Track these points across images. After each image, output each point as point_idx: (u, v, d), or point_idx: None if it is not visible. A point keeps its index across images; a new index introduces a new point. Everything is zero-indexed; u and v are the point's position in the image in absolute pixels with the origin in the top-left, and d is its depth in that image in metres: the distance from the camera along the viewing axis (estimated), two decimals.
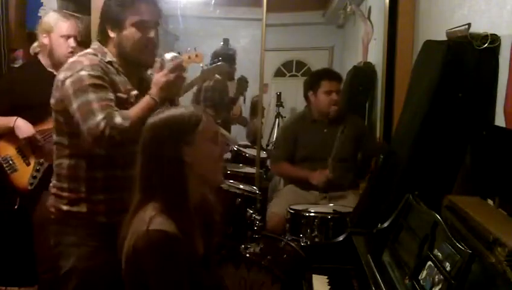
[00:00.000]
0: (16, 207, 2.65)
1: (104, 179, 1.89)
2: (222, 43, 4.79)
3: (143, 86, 1.95)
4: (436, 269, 1.28)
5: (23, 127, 2.55)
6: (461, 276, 1.17)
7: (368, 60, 4.25)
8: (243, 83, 4.46)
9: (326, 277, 1.85)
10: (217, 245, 1.67)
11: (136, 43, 1.88)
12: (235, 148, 3.80)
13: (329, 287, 1.79)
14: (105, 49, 1.92)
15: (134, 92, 1.92)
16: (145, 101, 1.86)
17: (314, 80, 3.34)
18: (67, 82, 1.82)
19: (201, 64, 3.14)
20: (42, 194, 2.61)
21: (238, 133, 4.97)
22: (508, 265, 1.19)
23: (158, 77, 1.88)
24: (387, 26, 3.20)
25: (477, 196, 1.69)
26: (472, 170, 1.88)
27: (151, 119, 1.55)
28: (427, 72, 2.10)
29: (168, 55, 1.87)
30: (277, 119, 5.23)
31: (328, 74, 3.35)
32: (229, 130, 4.43)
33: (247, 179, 3.25)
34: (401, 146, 2.18)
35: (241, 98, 4.66)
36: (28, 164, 2.61)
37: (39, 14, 3.25)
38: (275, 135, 4.93)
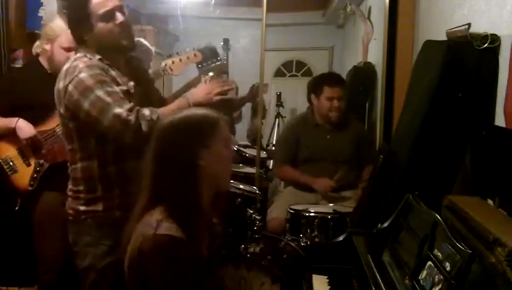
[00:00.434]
0: (16, 208, 2.65)
1: (117, 173, 1.93)
2: (222, 43, 4.79)
3: (135, 75, 2.00)
4: (436, 269, 1.28)
5: (25, 128, 2.55)
6: (461, 276, 1.17)
7: (368, 60, 4.25)
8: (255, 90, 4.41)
9: (326, 277, 1.85)
10: (218, 247, 1.67)
11: (109, 34, 1.89)
12: (235, 148, 3.80)
13: (329, 287, 1.79)
14: (90, 51, 1.93)
15: (132, 83, 1.95)
16: (181, 101, 1.91)
17: (317, 84, 3.35)
18: (70, 87, 1.84)
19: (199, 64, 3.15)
20: (43, 194, 2.62)
21: (238, 133, 4.98)
22: (508, 265, 1.19)
23: (202, 91, 1.95)
24: (387, 26, 3.20)
25: (477, 196, 1.69)
26: (472, 170, 1.88)
27: (169, 118, 1.53)
28: (427, 72, 2.10)
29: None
30: (277, 119, 5.23)
31: (331, 80, 3.34)
32: (233, 131, 4.42)
33: (247, 179, 3.26)
34: (401, 146, 2.18)
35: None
36: (28, 165, 2.61)
37: (39, 14, 3.25)
38: (275, 135, 4.94)
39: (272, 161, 3.99)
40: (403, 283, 1.42)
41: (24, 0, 3.30)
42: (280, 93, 5.33)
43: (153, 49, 3.64)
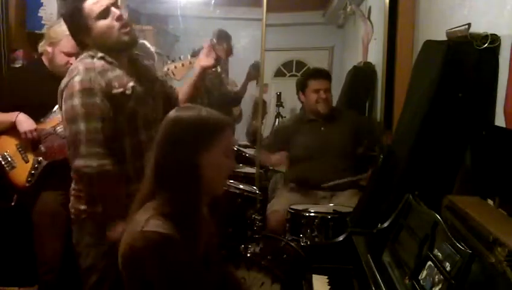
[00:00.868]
0: (12, 204, 2.65)
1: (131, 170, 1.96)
2: None
3: (140, 74, 2.04)
4: (436, 269, 1.28)
5: (25, 122, 2.56)
6: (461, 276, 1.17)
7: (368, 60, 4.25)
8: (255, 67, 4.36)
9: (326, 277, 1.85)
10: (216, 245, 1.67)
11: (109, 30, 1.91)
12: (235, 149, 3.80)
13: (329, 287, 1.79)
14: (94, 51, 1.96)
15: (131, 84, 1.96)
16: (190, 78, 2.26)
17: (302, 80, 3.38)
18: (65, 91, 1.91)
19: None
20: (42, 194, 2.62)
21: (238, 133, 4.97)
22: (508, 265, 1.19)
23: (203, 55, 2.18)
24: (387, 26, 3.20)
25: (477, 196, 1.69)
26: (472, 170, 1.88)
27: (177, 113, 1.51)
28: (427, 72, 2.10)
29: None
30: (277, 119, 5.23)
31: (315, 73, 3.39)
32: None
33: (247, 179, 3.26)
34: (401, 146, 2.18)
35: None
36: (27, 161, 2.61)
37: (39, 14, 3.25)
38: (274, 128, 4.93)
39: None
40: (403, 283, 1.42)
41: (24, 0, 3.30)
42: (280, 93, 5.33)
43: (153, 49, 3.64)
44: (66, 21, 1.99)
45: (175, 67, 2.44)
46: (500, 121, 1.81)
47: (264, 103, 4.94)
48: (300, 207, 2.75)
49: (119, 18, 1.92)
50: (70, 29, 2.00)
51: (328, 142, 3.20)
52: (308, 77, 3.34)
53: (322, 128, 3.26)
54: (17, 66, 3.17)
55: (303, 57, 6.69)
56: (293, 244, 2.61)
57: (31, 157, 2.61)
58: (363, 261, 1.67)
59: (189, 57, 2.49)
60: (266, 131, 5.12)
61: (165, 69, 2.43)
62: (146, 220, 1.40)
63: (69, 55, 2.61)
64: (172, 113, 1.52)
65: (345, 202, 3.00)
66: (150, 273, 1.39)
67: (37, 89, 2.56)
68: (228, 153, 1.53)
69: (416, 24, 2.99)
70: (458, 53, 1.93)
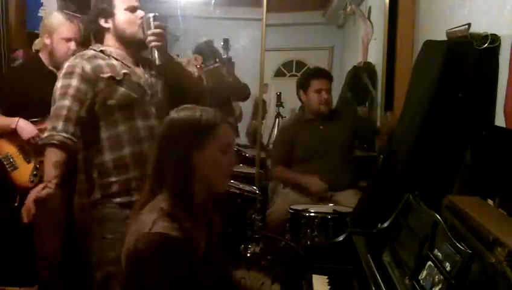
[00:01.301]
0: (16, 205, 2.65)
1: (113, 161, 2.02)
2: (222, 43, 4.79)
3: (144, 66, 2.14)
4: (436, 269, 1.28)
5: (26, 128, 2.56)
6: (461, 276, 1.17)
7: (368, 60, 4.26)
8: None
9: (326, 277, 1.85)
10: (216, 244, 1.67)
11: (129, 25, 2.08)
12: (235, 149, 3.80)
13: (329, 287, 1.79)
14: (98, 45, 2.12)
15: (124, 71, 2.05)
16: None
17: (304, 79, 3.36)
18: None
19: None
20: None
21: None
22: (508, 265, 1.19)
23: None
24: (387, 26, 3.20)
25: (477, 196, 1.68)
26: (472, 170, 1.88)
27: (173, 114, 1.56)
28: (427, 72, 2.10)
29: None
30: (277, 119, 5.23)
31: (318, 73, 3.36)
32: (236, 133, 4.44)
33: (247, 179, 3.26)
34: (401, 146, 2.18)
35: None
36: (29, 162, 2.61)
37: (39, 14, 3.25)
38: (275, 135, 4.94)
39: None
40: (403, 283, 1.42)
41: (24, 0, 3.30)
42: (280, 93, 5.33)
43: None
44: (93, 7, 2.18)
45: None
46: (500, 121, 1.81)
47: (264, 102, 4.96)
48: (300, 207, 2.75)
49: (142, 18, 2.08)
50: (95, 8, 2.14)
51: (327, 141, 3.20)
52: (310, 76, 3.33)
53: (321, 127, 3.26)
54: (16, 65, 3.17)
55: (303, 57, 6.69)
56: (293, 244, 2.61)
57: (33, 158, 2.61)
58: (363, 261, 1.67)
59: (189, 58, 2.50)
60: (266, 131, 5.13)
61: None
62: (153, 222, 1.40)
63: (68, 40, 2.61)
64: (170, 114, 1.56)
65: (345, 202, 3.00)
66: (153, 275, 1.39)
67: (37, 87, 2.56)
68: (225, 149, 1.53)
69: (416, 24, 2.99)
70: (458, 53, 1.93)
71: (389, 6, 3.17)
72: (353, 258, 1.78)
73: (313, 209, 2.70)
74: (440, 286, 1.23)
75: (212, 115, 1.54)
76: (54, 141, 1.93)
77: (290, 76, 6.69)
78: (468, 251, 1.18)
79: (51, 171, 1.92)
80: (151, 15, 2.05)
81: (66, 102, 1.97)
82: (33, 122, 2.58)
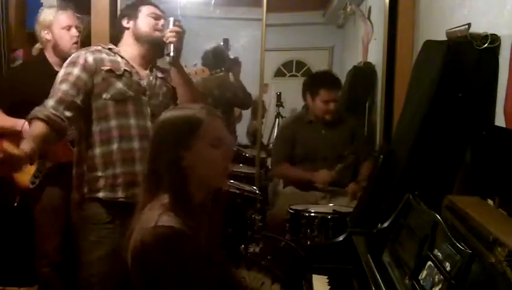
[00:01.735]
0: (15, 204, 2.65)
1: (101, 155, 2.04)
2: (222, 43, 4.79)
3: (153, 70, 2.19)
4: (436, 269, 1.28)
5: None
6: (461, 276, 1.17)
7: (368, 60, 4.25)
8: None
9: (326, 277, 1.85)
10: (218, 244, 1.67)
11: (149, 28, 2.17)
12: (235, 148, 3.80)
13: (329, 287, 1.79)
14: (109, 44, 2.20)
15: (125, 68, 2.10)
16: None
17: (313, 85, 3.33)
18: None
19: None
20: (45, 191, 2.62)
21: (238, 133, 4.97)
22: (508, 265, 1.19)
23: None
24: (387, 26, 3.20)
25: (477, 196, 1.68)
26: (472, 170, 1.88)
27: (161, 117, 1.58)
28: (427, 72, 2.10)
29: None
30: (277, 119, 5.23)
31: (328, 83, 3.32)
32: (233, 130, 4.44)
33: (247, 179, 3.25)
34: (401, 146, 2.18)
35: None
36: (31, 163, 2.60)
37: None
38: (275, 134, 4.94)
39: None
40: (403, 283, 1.42)
41: (24, 0, 3.30)
42: (280, 93, 5.32)
43: None
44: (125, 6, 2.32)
45: None
46: (500, 121, 1.81)
47: (262, 101, 4.97)
48: (300, 207, 2.75)
49: (162, 26, 2.19)
50: (121, 16, 2.24)
51: (328, 145, 3.22)
52: (321, 84, 3.29)
53: (323, 132, 3.28)
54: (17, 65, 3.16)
55: (303, 57, 6.68)
56: (293, 244, 2.61)
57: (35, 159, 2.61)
58: (363, 261, 1.67)
59: (195, 63, 2.52)
60: (266, 131, 5.12)
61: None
62: (158, 216, 1.41)
63: (69, 28, 2.62)
64: (158, 118, 1.59)
65: (345, 202, 3.00)
66: (160, 268, 1.39)
67: (39, 88, 2.56)
68: (216, 143, 1.53)
69: (416, 24, 2.99)
70: (458, 53, 1.93)
71: (389, 6, 3.17)
72: (353, 258, 1.78)
73: (313, 209, 2.70)
74: (440, 286, 1.23)
75: (197, 111, 1.54)
76: (40, 115, 1.93)
77: (290, 76, 6.68)
78: (468, 251, 1.18)
79: (29, 142, 1.86)
80: (171, 18, 2.18)
81: (64, 86, 2.01)
82: None
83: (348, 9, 5.05)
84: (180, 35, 2.14)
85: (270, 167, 3.81)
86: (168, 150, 1.49)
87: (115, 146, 2.03)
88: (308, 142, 3.26)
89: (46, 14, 2.68)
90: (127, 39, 2.19)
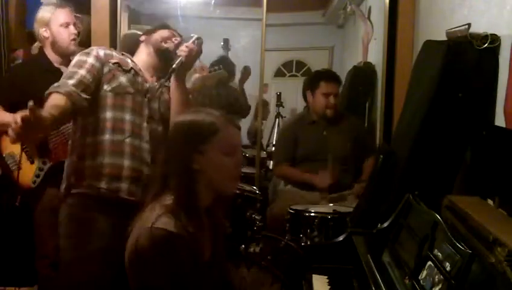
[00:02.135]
0: (17, 204, 2.65)
1: (92, 145, 2.03)
2: (222, 43, 4.78)
3: (160, 78, 2.18)
4: (436, 269, 1.28)
5: None
6: (461, 276, 1.17)
7: (368, 60, 4.25)
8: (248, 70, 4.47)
9: (326, 277, 1.85)
10: (223, 248, 1.67)
11: (163, 37, 2.20)
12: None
13: (329, 287, 1.79)
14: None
15: (132, 66, 2.13)
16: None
17: (313, 80, 3.35)
18: None
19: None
20: (45, 193, 2.62)
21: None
22: (508, 265, 1.19)
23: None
24: (387, 26, 3.20)
25: (477, 196, 1.68)
26: (472, 170, 1.88)
27: (179, 118, 1.59)
28: (427, 72, 2.10)
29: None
30: (277, 119, 5.23)
31: (327, 76, 3.35)
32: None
33: (247, 179, 3.26)
34: (401, 146, 2.18)
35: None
36: (32, 162, 2.61)
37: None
38: (275, 135, 4.94)
39: (271, 161, 4.00)
40: (403, 283, 1.42)
41: (24, 0, 3.30)
42: (280, 93, 5.32)
43: None
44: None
45: None
46: (500, 121, 1.81)
47: (267, 103, 5.00)
48: (300, 207, 2.75)
49: (175, 40, 2.22)
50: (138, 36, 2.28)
51: (329, 145, 3.21)
52: (320, 78, 3.31)
53: (325, 133, 3.27)
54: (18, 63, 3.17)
55: (303, 57, 6.68)
56: (293, 244, 2.61)
57: (36, 158, 2.61)
58: (363, 261, 1.67)
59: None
60: (266, 131, 5.12)
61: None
62: (157, 217, 1.42)
63: (67, 25, 2.62)
64: (175, 119, 1.65)
65: (344, 201, 3.00)
66: (152, 270, 1.39)
67: (39, 84, 2.55)
68: (229, 152, 1.53)
69: (416, 24, 2.99)
70: (458, 53, 1.93)
71: (389, 6, 3.17)
72: (353, 258, 1.78)
73: (313, 209, 2.70)
74: (440, 286, 1.23)
75: (215, 118, 1.54)
76: (61, 90, 1.93)
77: (290, 76, 6.67)
78: (468, 251, 1.18)
79: (48, 110, 1.83)
80: (194, 35, 2.19)
81: (82, 71, 2.01)
82: None
83: (348, 9, 5.05)
84: (191, 52, 2.13)
85: (270, 168, 3.81)
86: (181, 152, 1.50)
87: (106, 137, 2.03)
88: (310, 143, 3.26)
89: (44, 12, 2.69)
90: (143, 49, 2.23)
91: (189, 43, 2.15)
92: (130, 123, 2.06)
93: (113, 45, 3.09)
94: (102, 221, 1.99)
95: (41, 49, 2.74)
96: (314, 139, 3.26)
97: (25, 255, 2.84)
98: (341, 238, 1.95)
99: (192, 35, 2.19)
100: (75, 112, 2.00)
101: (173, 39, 2.21)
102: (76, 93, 1.94)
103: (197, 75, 3.12)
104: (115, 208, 1.98)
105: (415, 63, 2.43)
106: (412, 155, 2.03)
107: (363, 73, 4.04)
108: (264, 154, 3.88)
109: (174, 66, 2.09)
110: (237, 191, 2.61)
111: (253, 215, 2.55)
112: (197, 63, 2.54)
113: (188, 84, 2.53)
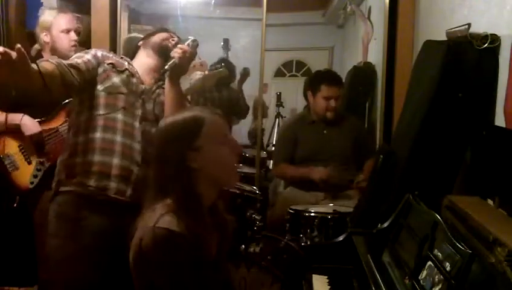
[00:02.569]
0: (15, 205, 2.65)
1: (84, 143, 2.03)
2: (222, 43, 4.78)
3: (157, 82, 2.19)
4: (436, 269, 1.28)
5: (30, 125, 2.55)
6: (461, 276, 1.17)
7: (368, 60, 4.25)
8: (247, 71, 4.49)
9: (326, 277, 1.85)
10: (228, 248, 1.66)
11: (162, 41, 2.23)
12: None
13: (329, 287, 1.79)
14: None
15: (128, 67, 2.15)
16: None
17: (315, 81, 3.34)
18: None
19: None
20: (44, 193, 2.62)
21: (238, 134, 4.97)
22: (508, 265, 1.19)
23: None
24: (387, 26, 3.20)
25: (477, 196, 1.68)
26: (472, 170, 1.88)
27: (161, 122, 1.58)
28: (427, 72, 2.10)
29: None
30: (277, 119, 5.23)
31: (329, 79, 3.32)
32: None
33: (247, 179, 3.26)
34: (401, 146, 2.18)
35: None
36: (30, 163, 2.60)
37: (39, 14, 3.24)
38: (275, 135, 4.94)
39: (271, 161, 4.00)
40: (403, 283, 1.42)
41: (24, 0, 3.30)
42: (280, 93, 5.33)
43: None
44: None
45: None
46: (500, 121, 1.81)
47: (267, 107, 5.02)
48: (300, 207, 2.75)
49: (174, 40, 2.25)
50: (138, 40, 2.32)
51: (330, 145, 3.21)
52: (321, 80, 3.29)
53: (325, 132, 3.27)
54: None
55: (303, 57, 6.68)
56: (293, 244, 2.61)
57: (34, 158, 2.61)
58: (363, 261, 1.67)
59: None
60: (266, 131, 5.13)
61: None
62: (160, 216, 1.41)
63: (68, 31, 2.61)
64: (159, 124, 1.60)
65: (345, 202, 3.00)
66: (155, 269, 1.39)
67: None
68: (221, 140, 1.53)
69: (416, 24, 2.99)
70: (458, 53, 1.93)
71: (389, 6, 3.17)
72: (353, 258, 1.78)
73: (313, 209, 2.70)
74: (440, 286, 1.23)
75: (197, 111, 1.55)
76: (51, 60, 1.93)
77: (290, 76, 6.68)
78: (468, 251, 1.18)
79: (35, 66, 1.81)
80: (191, 38, 2.22)
81: (77, 59, 2.03)
82: (38, 122, 2.58)
83: (348, 9, 5.05)
84: (185, 54, 2.12)
85: (270, 168, 3.81)
86: (174, 153, 1.48)
87: (97, 134, 2.03)
88: (310, 143, 3.26)
89: (46, 16, 2.69)
90: (140, 53, 2.26)
91: (184, 45, 2.16)
92: (122, 122, 2.06)
93: (113, 44, 3.10)
94: (91, 220, 1.98)
95: (39, 53, 2.73)
96: (314, 139, 3.26)
97: (25, 255, 2.84)
98: (341, 238, 1.94)
99: (189, 37, 2.21)
100: (65, 88, 1.95)
101: (171, 40, 2.23)
102: (66, 67, 1.94)
103: (197, 74, 3.12)
104: (103, 207, 1.98)
105: (415, 63, 2.44)
106: (412, 155, 2.03)
107: (363, 73, 4.04)
108: (264, 154, 3.88)
109: (166, 66, 2.10)
110: (237, 191, 2.62)
111: (253, 215, 2.55)
112: (197, 60, 2.53)
113: (188, 85, 2.53)
